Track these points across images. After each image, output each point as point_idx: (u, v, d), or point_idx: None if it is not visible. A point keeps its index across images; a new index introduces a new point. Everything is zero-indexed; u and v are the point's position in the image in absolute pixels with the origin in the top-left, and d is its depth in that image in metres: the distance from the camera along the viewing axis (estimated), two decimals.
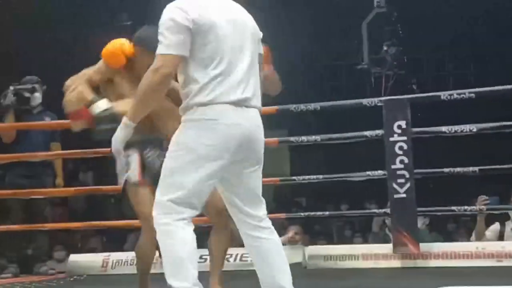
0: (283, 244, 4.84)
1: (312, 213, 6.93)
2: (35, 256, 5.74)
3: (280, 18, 9.92)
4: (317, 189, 8.88)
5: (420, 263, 4.70)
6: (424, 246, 4.76)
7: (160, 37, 2.66)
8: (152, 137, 3.52)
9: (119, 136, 2.80)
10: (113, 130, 2.97)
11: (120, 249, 6.96)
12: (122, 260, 5.48)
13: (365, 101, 5.01)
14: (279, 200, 11.01)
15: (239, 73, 2.71)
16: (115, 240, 8.10)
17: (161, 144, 3.42)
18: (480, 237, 5.36)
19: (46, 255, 5.81)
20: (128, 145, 3.10)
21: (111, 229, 7.92)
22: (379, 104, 4.88)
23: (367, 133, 4.91)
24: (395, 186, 4.72)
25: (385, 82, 9.06)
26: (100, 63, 3.56)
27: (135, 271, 5.08)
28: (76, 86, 3.49)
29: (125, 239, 8.01)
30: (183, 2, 2.70)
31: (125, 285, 3.71)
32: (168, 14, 2.66)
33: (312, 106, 5.12)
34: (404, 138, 4.72)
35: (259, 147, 2.81)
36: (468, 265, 4.64)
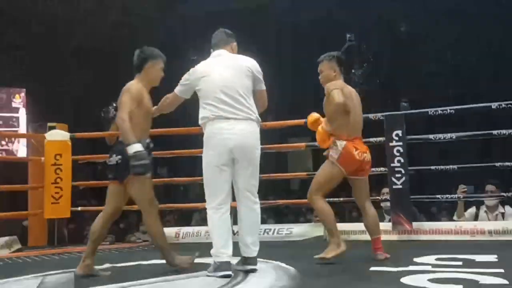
0: (311, 222, 5.19)
1: (328, 199, 7.31)
2: (126, 229, 5.97)
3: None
4: None
5: (413, 237, 4.83)
6: (415, 224, 4.90)
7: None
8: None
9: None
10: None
11: (188, 224, 7.22)
12: (189, 232, 5.70)
13: (371, 115, 5.04)
14: (304, 189, 11.33)
15: (229, 100, 3.32)
16: (183, 218, 8.22)
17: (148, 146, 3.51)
18: (460, 218, 5.39)
19: (134, 228, 5.96)
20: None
21: (181, 210, 8.07)
22: (381, 118, 5.01)
23: (372, 139, 5.00)
24: (393, 179, 4.86)
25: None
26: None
27: (199, 240, 5.41)
28: None
29: (191, 217, 8.30)
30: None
31: (192, 250, 3.74)
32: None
33: None
34: (401, 143, 4.85)
35: (247, 150, 3.36)
36: (449, 239, 4.80)
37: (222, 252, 3.23)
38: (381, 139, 5.01)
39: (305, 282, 3.03)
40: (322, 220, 3.91)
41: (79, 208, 5.98)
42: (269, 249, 4.26)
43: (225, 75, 3.39)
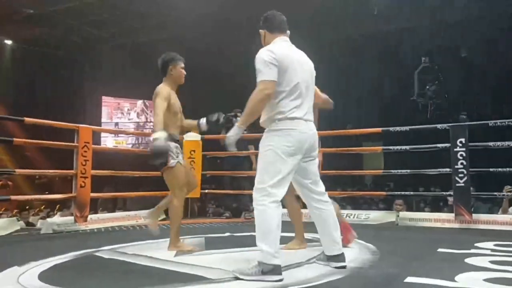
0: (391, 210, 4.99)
1: (397, 193, 7.10)
2: (240, 208, 6.09)
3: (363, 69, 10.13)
4: (400, 178, 8.75)
5: (472, 226, 4.62)
6: (475, 216, 4.69)
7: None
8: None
9: (234, 135, 2.52)
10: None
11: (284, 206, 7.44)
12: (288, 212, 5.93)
13: (439, 126, 4.93)
14: (376, 184, 11.09)
15: (304, 98, 2.55)
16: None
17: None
18: (504, 213, 5.14)
19: (245, 208, 5.96)
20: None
21: None
22: (447, 128, 4.82)
23: (440, 145, 4.90)
24: (457, 178, 4.67)
25: (428, 108, 9.22)
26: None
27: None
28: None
29: None
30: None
31: (289, 227, 3.39)
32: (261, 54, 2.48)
33: (403, 128, 5.17)
34: (464, 149, 4.66)
35: (315, 145, 2.63)
36: (503, 229, 4.52)
37: (278, 254, 2.38)
38: (447, 145, 4.82)
39: (383, 257, 3.00)
40: (295, 217, 3.43)
41: (206, 191, 6.30)
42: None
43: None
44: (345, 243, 3.20)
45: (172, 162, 3.29)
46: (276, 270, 2.35)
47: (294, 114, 2.49)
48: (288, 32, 2.68)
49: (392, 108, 10.64)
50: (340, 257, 2.62)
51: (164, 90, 3.29)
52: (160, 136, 3.02)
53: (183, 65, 3.45)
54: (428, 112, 9.38)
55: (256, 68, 2.46)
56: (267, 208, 2.37)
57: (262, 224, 2.37)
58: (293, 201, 3.37)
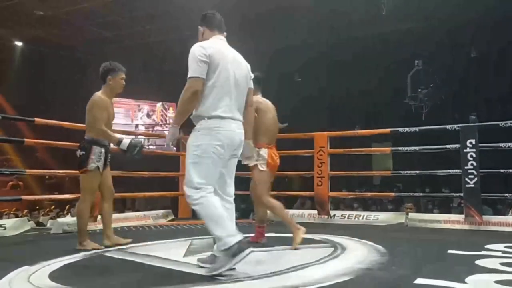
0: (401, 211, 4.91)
1: (406, 194, 7.06)
2: (248, 209, 6.10)
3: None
4: (409, 179, 8.55)
5: (482, 227, 4.57)
6: (485, 217, 4.65)
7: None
8: None
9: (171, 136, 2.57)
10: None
11: (291, 207, 7.14)
12: (295, 213, 5.60)
13: (448, 126, 4.88)
14: (384, 184, 11.01)
15: (235, 97, 2.55)
16: (290, 202, 8.12)
17: None
18: None
19: (254, 209, 6.07)
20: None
21: (288, 196, 8.29)
22: (457, 128, 4.78)
23: (449, 146, 4.87)
24: (467, 179, 4.63)
25: (421, 110, 9.24)
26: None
27: (302, 220, 5.46)
28: None
29: (295, 201, 8.38)
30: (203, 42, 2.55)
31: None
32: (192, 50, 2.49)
33: (413, 129, 5.16)
34: (474, 150, 4.63)
35: (241, 144, 2.63)
36: None
37: (234, 232, 2.44)
38: (457, 145, 4.78)
39: (392, 258, 2.98)
40: (279, 214, 3.52)
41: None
42: (360, 231, 4.30)
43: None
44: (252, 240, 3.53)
45: (91, 165, 3.46)
46: (241, 246, 2.39)
47: (223, 112, 2.50)
48: (225, 33, 2.73)
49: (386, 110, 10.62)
50: (239, 245, 2.41)
51: (101, 101, 3.49)
52: (123, 139, 3.32)
53: (123, 75, 3.62)
54: (423, 115, 9.41)
55: (188, 64, 2.49)
56: (204, 200, 2.43)
57: (208, 216, 2.43)
58: (269, 200, 3.50)
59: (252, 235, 3.72)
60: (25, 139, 4.98)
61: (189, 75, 2.46)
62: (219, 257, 2.45)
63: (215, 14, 2.74)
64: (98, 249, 3.43)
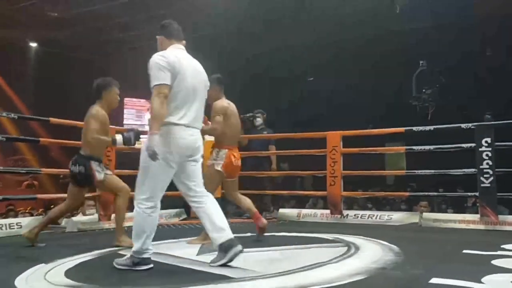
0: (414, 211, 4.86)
1: (420, 193, 6.98)
2: (260, 208, 6.15)
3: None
4: (423, 178, 8.58)
5: (497, 227, 4.51)
6: (501, 217, 4.58)
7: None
8: None
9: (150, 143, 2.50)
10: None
11: (304, 207, 7.23)
12: (308, 213, 5.72)
13: (463, 125, 4.78)
14: (398, 184, 10.92)
15: (191, 105, 2.62)
16: (303, 201, 8.29)
17: None
18: None
19: (266, 208, 6.01)
20: None
21: (301, 196, 8.21)
22: (472, 127, 4.71)
23: (464, 145, 4.81)
24: (482, 179, 4.57)
25: (427, 110, 9.13)
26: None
27: (315, 220, 5.48)
28: None
29: (307, 201, 8.40)
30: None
31: (309, 227, 3.87)
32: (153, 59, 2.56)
33: (427, 128, 5.10)
34: (489, 149, 4.56)
35: (198, 150, 2.70)
36: None
37: (148, 250, 2.66)
38: (472, 144, 4.72)
39: (406, 258, 2.95)
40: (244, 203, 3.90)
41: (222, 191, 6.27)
42: (373, 231, 4.28)
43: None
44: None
45: (100, 176, 3.57)
46: (145, 261, 2.63)
47: (178, 120, 2.56)
48: (184, 41, 2.78)
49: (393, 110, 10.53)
50: (231, 243, 2.63)
51: (100, 113, 3.58)
52: (115, 138, 3.42)
53: (117, 91, 3.66)
54: (429, 115, 9.32)
55: (149, 74, 2.53)
56: (142, 212, 2.60)
57: (137, 226, 2.63)
58: (236, 195, 3.88)
59: (253, 234, 3.86)
60: (41, 139, 5.03)
61: (155, 83, 2.50)
62: (128, 257, 2.71)
63: (171, 23, 2.80)
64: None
